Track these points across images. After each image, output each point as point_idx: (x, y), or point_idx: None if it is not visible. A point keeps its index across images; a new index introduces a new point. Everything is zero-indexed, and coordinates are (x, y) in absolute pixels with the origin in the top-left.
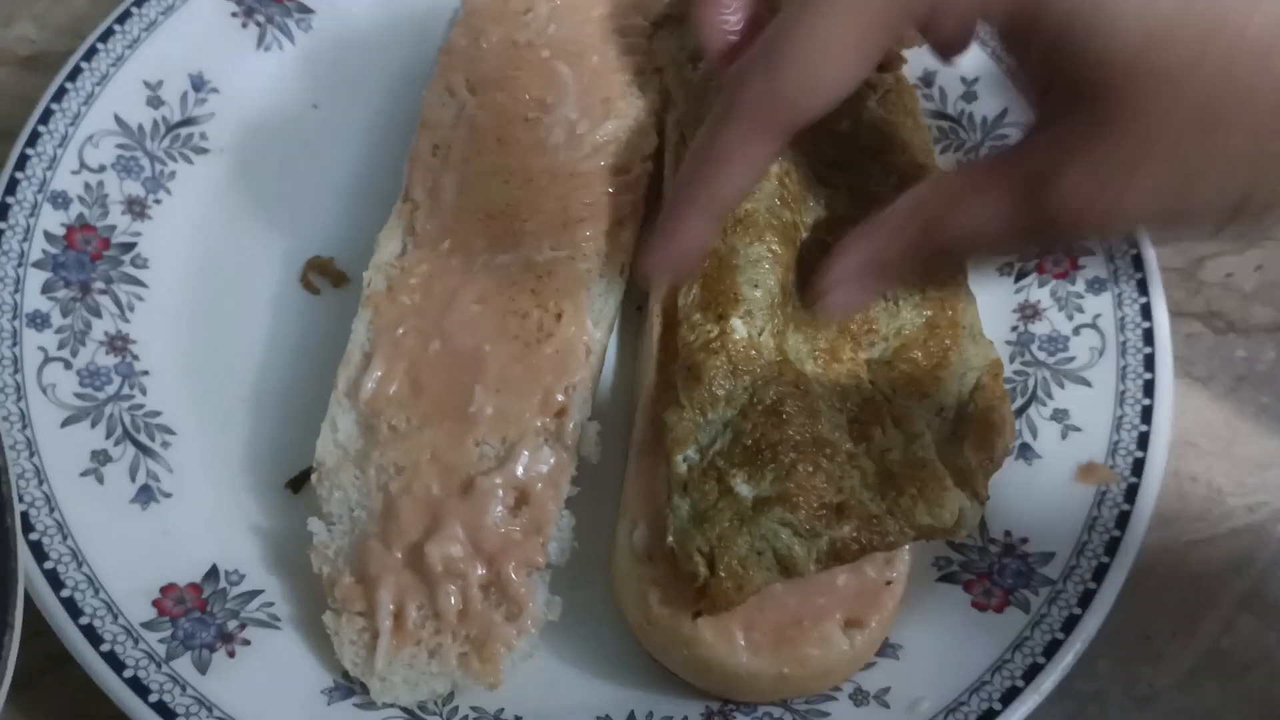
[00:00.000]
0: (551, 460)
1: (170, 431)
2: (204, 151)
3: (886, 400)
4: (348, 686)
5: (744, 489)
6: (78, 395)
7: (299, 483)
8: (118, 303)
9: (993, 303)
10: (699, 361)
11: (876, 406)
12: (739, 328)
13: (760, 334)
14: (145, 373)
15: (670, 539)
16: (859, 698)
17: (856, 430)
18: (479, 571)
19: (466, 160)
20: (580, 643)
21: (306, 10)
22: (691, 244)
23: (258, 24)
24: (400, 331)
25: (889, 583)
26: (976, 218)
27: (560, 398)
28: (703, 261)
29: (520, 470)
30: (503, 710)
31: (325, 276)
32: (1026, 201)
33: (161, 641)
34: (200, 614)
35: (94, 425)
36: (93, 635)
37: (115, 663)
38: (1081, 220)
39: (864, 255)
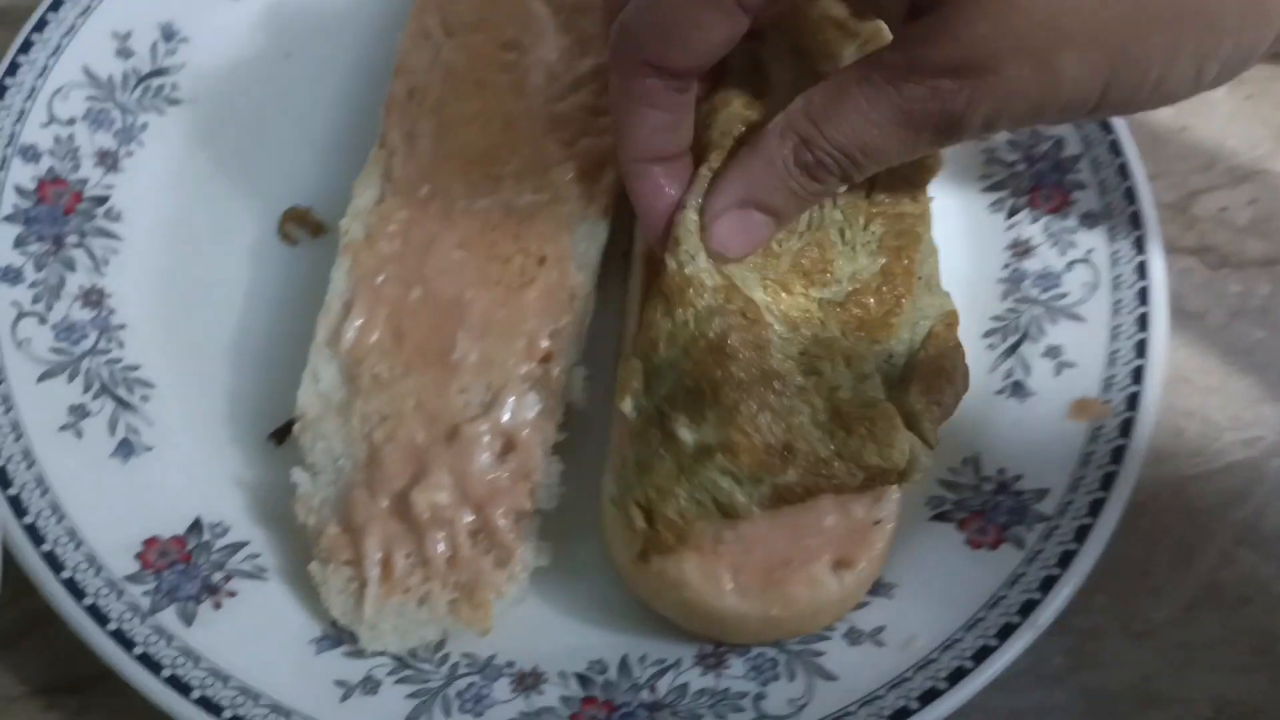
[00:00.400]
0: (538, 406)
1: (149, 385)
2: (176, 102)
3: (838, 337)
4: (336, 636)
5: (686, 434)
6: (53, 350)
7: (282, 434)
8: (92, 256)
9: (984, 240)
10: (652, 307)
11: (827, 342)
12: (671, 261)
13: (692, 260)
14: (122, 326)
15: (612, 490)
16: (853, 637)
17: (806, 363)
18: (466, 518)
19: (443, 104)
20: (571, 588)
21: None
22: (655, 200)
23: None
24: (380, 279)
25: (878, 522)
26: (850, 129)
27: (545, 343)
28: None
29: (506, 416)
30: (494, 656)
31: (303, 226)
32: (900, 101)
33: (145, 594)
34: (184, 566)
35: (71, 380)
36: (75, 589)
37: (99, 616)
38: (952, 117)
39: (739, 191)
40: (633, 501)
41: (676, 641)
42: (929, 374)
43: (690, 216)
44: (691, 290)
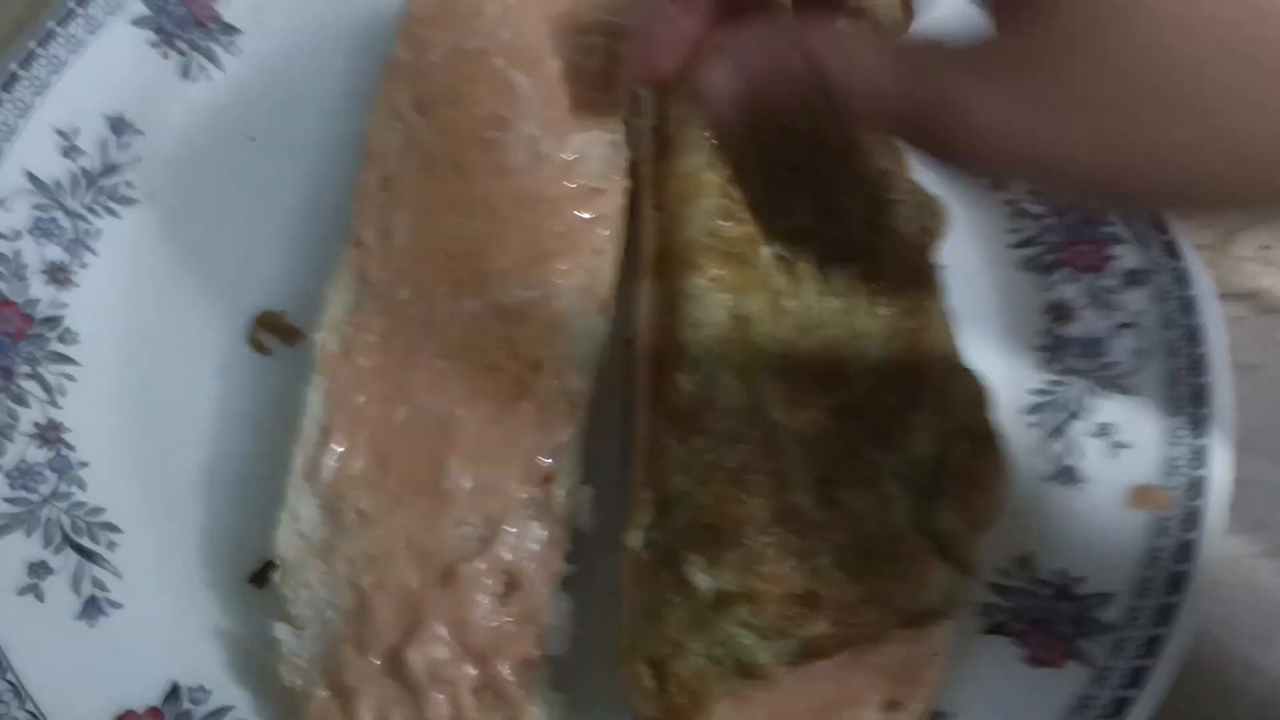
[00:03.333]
0: (541, 536)
1: (116, 530)
2: (130, 202)
3: (855, 456)
4: None
5: (702, 580)
6: (8, 500)
7: (262, 576)
8: (46, 387)
9: (1018, 303)
10: (667, 434)
11: (846, 464)
12: (683, 382)
13: (713, 382)
14: (83, 464)
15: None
16: None
17: (825, 494)
18: (469, 673)
19: (420, 193)
20: None
21: (233, 30)
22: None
23: (180, 52)
24: (360, 398)
25: (932, 655)
26: (855, 71)
27: (545, 462)
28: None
29: (506, 552)
30: None
31: (276, 334)
32: (914, 90)
33: None
34: None
35: (29, 533)
36: None
37: None
38: (972, 149)
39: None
40: (640, 657)
41: None
42: (961, 483)
43: (698, 335)
44: (712, 415)
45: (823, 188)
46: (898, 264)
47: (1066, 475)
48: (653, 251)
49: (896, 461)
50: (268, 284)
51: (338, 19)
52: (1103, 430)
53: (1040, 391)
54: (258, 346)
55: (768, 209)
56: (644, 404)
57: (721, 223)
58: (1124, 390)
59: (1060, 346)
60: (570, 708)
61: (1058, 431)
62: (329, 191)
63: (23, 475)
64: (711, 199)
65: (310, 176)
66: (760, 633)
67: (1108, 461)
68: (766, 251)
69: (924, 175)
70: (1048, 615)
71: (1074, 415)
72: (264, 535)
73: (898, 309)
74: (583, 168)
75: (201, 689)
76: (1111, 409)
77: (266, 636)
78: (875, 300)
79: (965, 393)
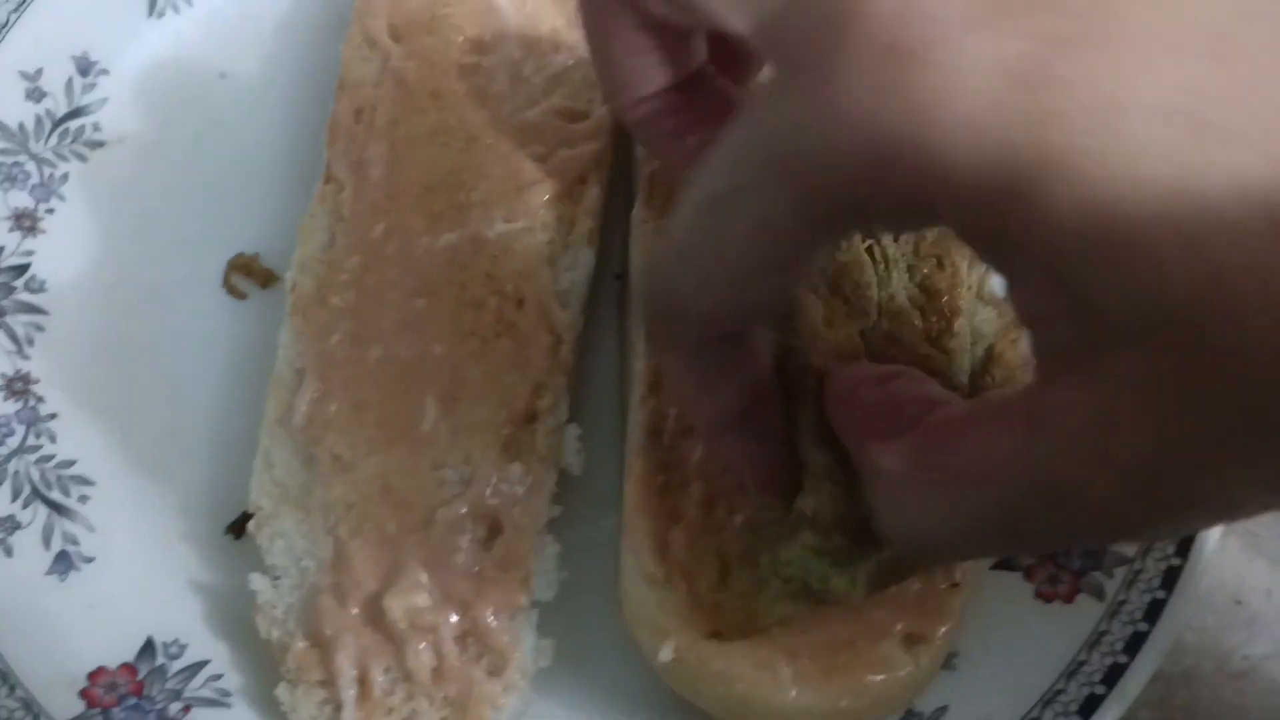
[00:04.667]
0: (525, 478)
1: (88, 482)
2: (99, 145)
3: None
4: None
5: (767, 511)
6: None
7: (240, 527)
8: (13, 337)
9: None
10: None
11: None
12: None
13: None
14: (53, 416)
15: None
16: None
17: None
18: (452, 620)
19: (395, 123)
20: (587, 688)
21: None
22: (752, 461)
23: None
24: (334, 339)
25: (954, 585)
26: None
27: (528, 400)
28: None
29: (488, 494)
30: None
31: (251, 277)
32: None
33: None
34: (137, 700)
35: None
36: None
37: None
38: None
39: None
40: (709, 589)
41: None
42: None
43: None
44: None
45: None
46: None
47: None
48: (647, 179)
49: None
50: (243, 226)
51: None
52: None
53: None
54: (233, 291)
55: None
56: (641, 336)
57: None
58: None
59: None
60: (559, 655)
61: None
62: (305, 128)
63: None
64: None
65: (285, 113)
66: (831, 556)
67: None
68: None
69: None
70: (1067, 551)
71: None
72: (242, 485)
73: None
74: (565, 91)
75: (177, 643)
76: None
77: (245, 588)
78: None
79: (997, 321)
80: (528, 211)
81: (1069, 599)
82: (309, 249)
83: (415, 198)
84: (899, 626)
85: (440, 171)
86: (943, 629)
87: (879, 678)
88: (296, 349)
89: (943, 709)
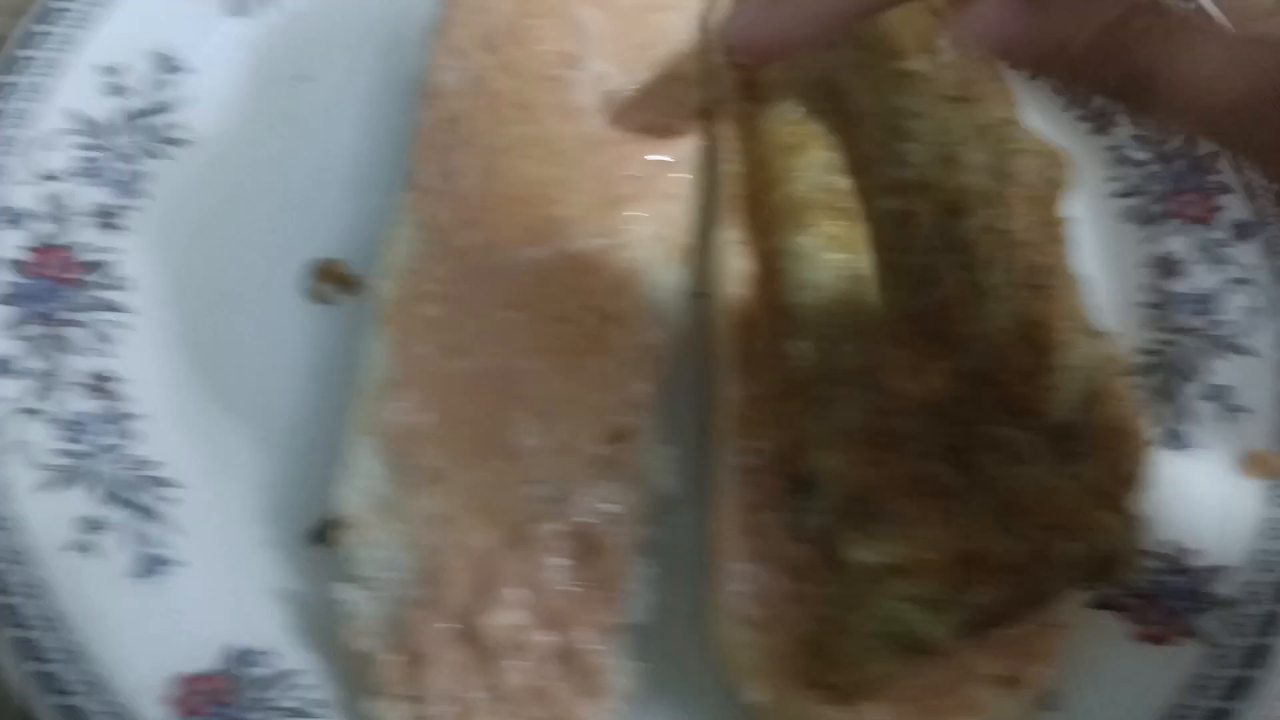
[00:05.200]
0: (618, 497)
1: (172, 485)
2: (179, 143)
3: (986, 421)
4: None
5: (859, 554)
6: (57, 452)
7: (322, 535)
8: (96, 335)
9: (1119, 256)
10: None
11: (977, 430)
12: (793, 349)
13: (827, 349)
14: (137, 416)
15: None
16: None
17: (958, 460)
18: (545, 640)
19: (484, 134)
20: (676, 712)
21: None
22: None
23: None
24: (423, 350)
25: (1049, 626)
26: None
27: (621, 418)
28: None
29: (581, 513)
30: None
31: (335, 283)
32: None
33: None
34: (224, 709)
35: (80, 487)
36: None
37: None
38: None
39: None
40: (804, 640)
41: None
42: (1108, 441)
43: (807, 299)
44: (827, 384)
45: (941, 136)
46: (1023, 215)
47: (1176, 440)
48: (739, 200)
49: (1030, 426)
50: (325, 230)
51: None
52: (1216, 393)
53: (1148, 351)
54: (316, 295)
55: (881, 159)
56: (734, 366)
57: (833, 177)
58: (1238, 350)
59: (1169, 303)
60: (653, 677)
61: (1167, 394)
62: (385, 134)
63: (71, 426)
64: (821, 150)
65: (364, 118)
66: (926, 604)
67: (1221, 426)
68: (881, 204)
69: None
70: (1160, 589)
71: (1185, 376)
72: (324, 492)
73: (1023, 264)
74: (654, 107)
75: (261, 651)
76: (1225, 370)
77: (329, 597)
78: (999, 255)
79: (1097, 354)
80: (617, 227)
81: (1169, 641)
82: (396, 257)
83: (504, 209)
84: (995, 670)
85: (529, 183)
86: (1041, 671)
87: None
88: (385, 358)
89: None
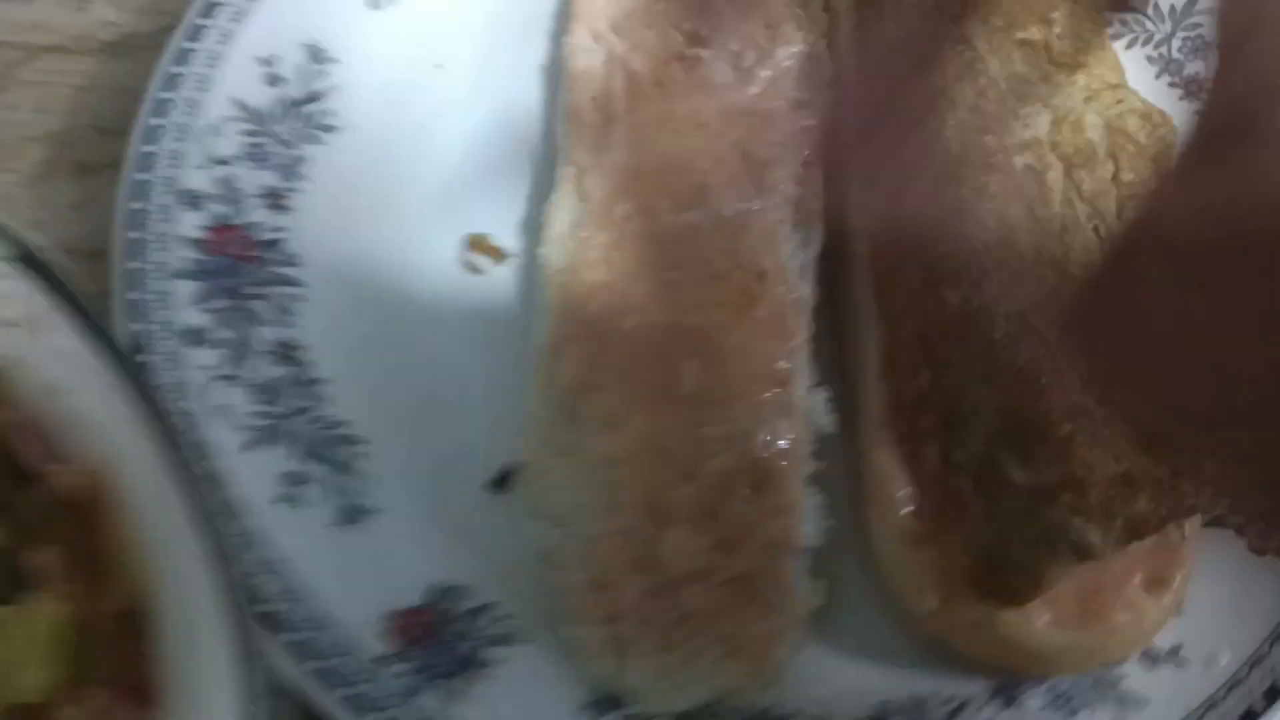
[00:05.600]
0: (787, 435)
1: (360, 441)
2: (332, 129)
3: None
4: (606, 700)
5: (1022, 477)
6: (254, 414)
7: (500, 482)
8: (276, 307)
9: None
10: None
11: None
12: (950, 294)
13: (980, 291)
14: (321, 380)
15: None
16: (1150, 659)
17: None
18: (726, 564)
19: (628, 111)
20: (845, 627)
21: None
22: None
23: None
24: (592, 310)
25: (1184, 537)
26: None
27: (782, 364)
28: None
29: (754, 449)
30: (771, 708)
31: (485, 254)
32: None
33: (401, 675)
34: (432, 639)
35: (279, 446)
36: (331, 679)
37: (361, 706)
38: None
39: None
40: (976, 553)
41: (963, 677)
42: None
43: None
44: (983, 324)
45: (1059, 99)
46: (1140, 169)
47: None
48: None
49: None
50: (469, 206)
51: None
52: None
53: None
54: (470, 267)
55: (1007, 119)
56: (876, 314)
57: (977, 134)
58: None
59: None
60: (828, 596)
61: None
62: (517, 115)
63: (263, 391)
64: (962, 111)
65: (498, 102)
66: (1088, 515)
67: None
68: (1018, 161)
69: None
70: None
71: None
72: (497, 444)
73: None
74: (786, 81)
75: (459, 587)
76: None
77: (513, 537)
78: (1125, 202)
79: None
80: (760, 192)
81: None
82: (558, 227)
83: (654, 180)
84: (1139, 574)
85: (675, 154)
86: (1180, 574)
87: (1127, 618)
88: (556, 318)
89: (1177, 647)
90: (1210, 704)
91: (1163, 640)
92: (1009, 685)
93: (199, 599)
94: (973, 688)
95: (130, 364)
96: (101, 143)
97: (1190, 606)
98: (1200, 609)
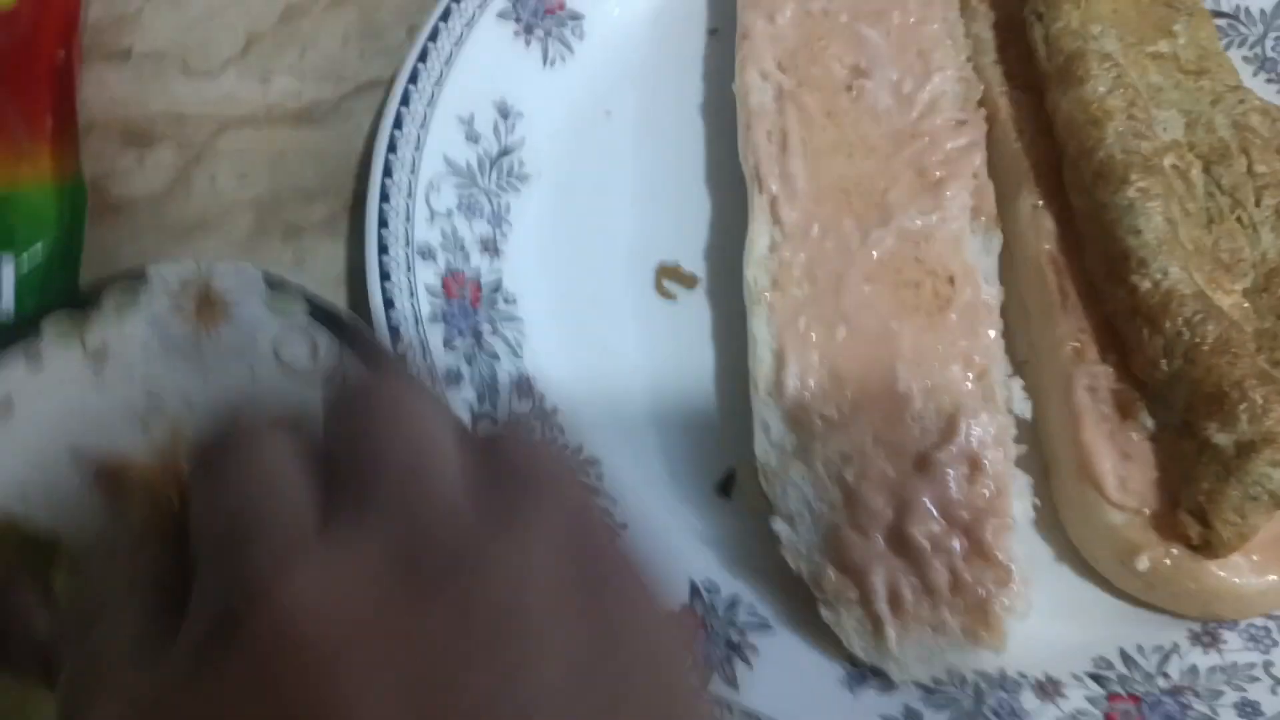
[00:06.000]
0: (992, 423)
1: (597, 462)
2: (525, 179)
3: (1278, 322)
4: (860, 673)
5: (1222, 438)
6: None
7: (726, 486)
8: (509, 343)
9: None
10: (1136, 329)
11: (1273, 334)
12: (1140, 282)
13: (1167, 276)
14: (555, 410)
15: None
16: None
17: (1267, 359)
18: (958, 542)
19: (804, 141)
20: (1053, 594)
21: (577, 16)
22: None
23: (539, 39)
24: (801, 324)
25: None
26: None
27: (979, 359)
28: None
29: (967, 439)
30: (1004, 670)
31: (677, 281)
32: None
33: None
34: (704, 631)
35: None
36: None
37: None
38: None
39: None
40: (1186, 511)
41: (1163, 627)
42: None
43: (1143, 240)
44: (1173, 304)
45: (1189, 104)
46: (1269, 160)
47: None
48: (1030, 168)
49: None
50: (655, 238)
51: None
52: None
53: None
54: (663, 293)
55: (1148, 124)
56: (1056, 307)
57: (1134, 139)
58: None
59: None
60: (1043, 562)
61: None
62: (681, 152)
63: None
64: (1119, 121)
65: (662, 141)
66: None
67: None
68: (1166, 163)
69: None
70: None
71: None
72: (713, 454)
73: (1275, 203)
74: (944, 103)
75: (712, 582)
76: None
77: (747, 537)
78: (1259, 192)
79: None
80: (937, 205)
81: None
82: (759, 250)
83: (839, 202)
84: None
85: (854, 178)
86: None
87: None
88: (769, 333)
89: None
90: None
91: None
92: (1207, 631)
93: None
94: (1176, 635)
95: (437, 398)
96: (306, 205)
97: None
98: None
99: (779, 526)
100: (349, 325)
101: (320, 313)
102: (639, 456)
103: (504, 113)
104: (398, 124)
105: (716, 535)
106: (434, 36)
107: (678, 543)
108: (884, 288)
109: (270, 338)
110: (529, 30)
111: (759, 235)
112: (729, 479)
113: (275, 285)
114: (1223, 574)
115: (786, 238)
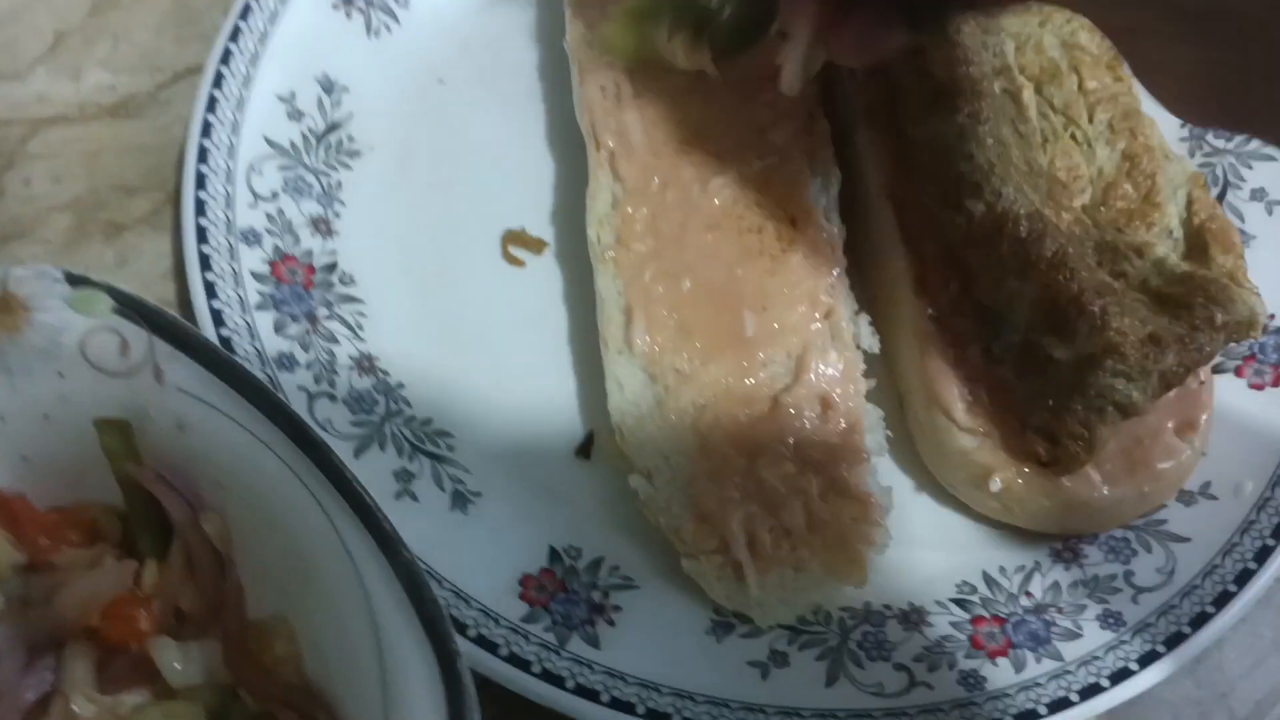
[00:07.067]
0: (840, 360)
1: (448, 434)
2: (357, 154)
3: (1119, 235)
4: (726, 621)
5: (1062, 352)
6: (354, 424)
7: (586, 448)
8: (347, 324)
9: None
10: (976, 253)
11: (1113, 246)
12: (974, 206)
13: (998, 198)
14: (400, 385)
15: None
16: (1186, 498)
17: (1110, 269)
18: (813, 480)
19: (638, 94)
20: (911, 524)
21: None
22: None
23: (360, 10)
24: (647, 277)
25: (1202, 383)
26: None
27: (825, 298)
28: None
29: (815, 378)
30: (869, 604)
31: (524, 246)
32: None
33: (547, 629)
34: (565, 594)
35: (383, 448)
36: (486, 644)
37: (519, 663)
38: None
39: None
40: (1033, 429)
41: (1025, 546)
42: (1216, 233)
43: (974, 164)
44: (1009, 223)
45: (1020, 28)
46: (1099, 75)
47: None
48: (864, 108)
49: (1152, 236)
50: (498, 205)
51: None
52: (1257, 194)
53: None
54: (511, 260)
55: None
56: (896, 240)
57: (962, 66)
58: (1268, 158)
59: (1200, 133)
60: (902, 493)
61: (1218, 201)
62: (518, 116)
63: (357, 401)
64: (944, 48)
65: (499, 106)
66: (1128, 376)
67: (1268, 219)
68: (996, 87)
69: None
70: (1256, 349)
71: (1229, 186)
72: (568, 417)
73: (1111, 113)
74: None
75: (573, 547)
76: (1259, 174)
77: (608, 495)
78: (1091, 109)
79: (1183, 172)
80: (773, 148)
81: (1276, 384)
82: (599, 208)
83: (676, 153)
84: (1170, 422)
85: (688, 127)
86: (1204, 416)
87: (1169, 464)
88: (616, 290)
89: (1206, 484)
90: (1244, 527)
91: (1193, 482)
92: (1068, 546)
93: (392, 615)
94: (1037, 554)
95: (257, 381)
96: (128, 201)
97: (1211, 447)
98: (1220, 447)
99: (637, 482)
100: (159, 317)
101: (128, 307)
102: (495, 426)
103: (327, 88)
104: (211, 107)
105: (578, 498)
106: (245, 15)
107: (538, 509)
108: (727, 235)
109: (76, 338)
110: (348, 2)
111: (599, 192)
112: (588, 441)
113: (77, 283)
114: (1075, 488)
115: (627, 193)
